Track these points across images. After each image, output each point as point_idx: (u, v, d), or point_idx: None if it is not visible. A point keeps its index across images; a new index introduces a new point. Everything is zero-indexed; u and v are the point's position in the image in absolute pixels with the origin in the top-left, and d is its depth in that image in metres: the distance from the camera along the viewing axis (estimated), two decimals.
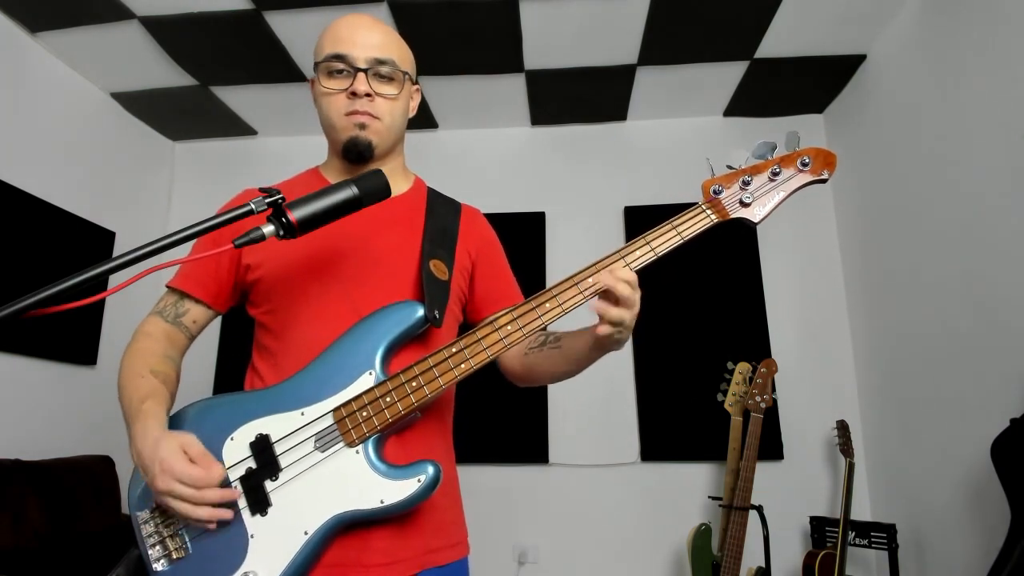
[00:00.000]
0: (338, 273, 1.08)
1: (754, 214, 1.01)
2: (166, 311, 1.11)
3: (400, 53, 1.13)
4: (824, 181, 1.03)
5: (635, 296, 0.91)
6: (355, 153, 1.10)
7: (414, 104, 1.20)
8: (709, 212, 1.00)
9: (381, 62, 1.09)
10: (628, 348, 3.20)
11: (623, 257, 0.96)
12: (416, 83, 1.19)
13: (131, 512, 0.97)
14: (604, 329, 0.92)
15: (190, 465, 0.86)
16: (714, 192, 1.01)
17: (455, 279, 1.13)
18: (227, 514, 0.90)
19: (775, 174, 1.01)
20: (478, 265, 1.20)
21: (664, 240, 0.97)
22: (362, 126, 1.09)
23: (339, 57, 1.08)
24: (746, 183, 1.01)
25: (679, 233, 0.98)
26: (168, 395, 1.02)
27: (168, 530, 0.94)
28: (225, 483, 0.91)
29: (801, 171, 1.02)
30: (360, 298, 1.05)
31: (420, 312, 1.00)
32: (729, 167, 1.03)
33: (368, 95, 1.08)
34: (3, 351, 2.60)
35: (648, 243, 0.97)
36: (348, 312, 1.03)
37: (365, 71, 1.08)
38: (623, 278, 0.90)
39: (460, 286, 1.16)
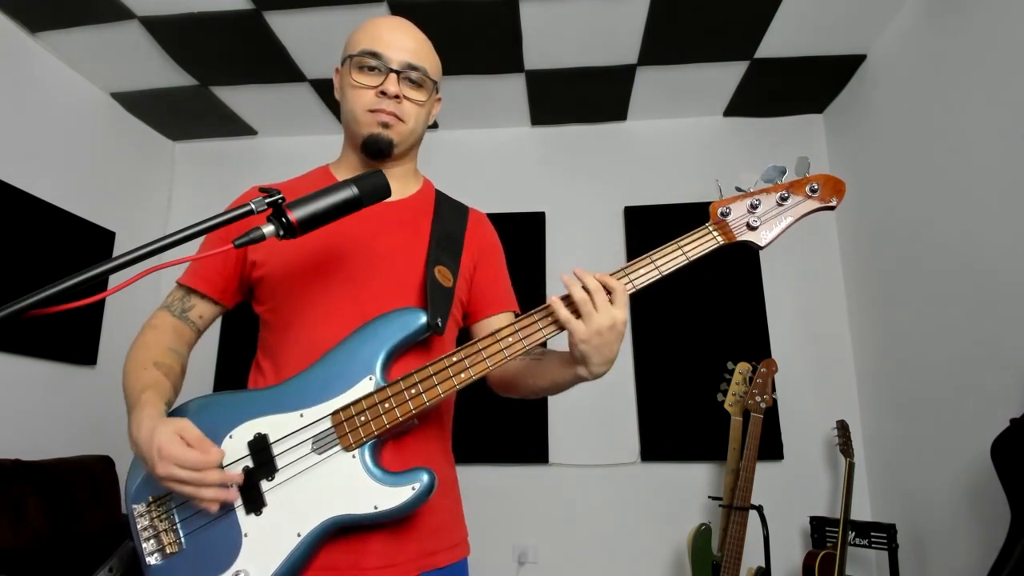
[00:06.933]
0: (343, 273, 1.07)
1: (760, 238, 1.02)
2: (173, 306, 1.12)
3: (432, 63, 1.15)
4: (832, 208, 1.04)
5: (595, 300, 0.91)
6: (375, 149, 1.11)
7: (434, 112, 1.21)
8: (716, 234, 1.01)
9: (414, 68, 1.10)
10: (628, 348, 3.20)
11: (627, 275, 0.97)
12: (439, 93, 1.20)
13: (127, 504, 0.97)
14: (573, 338, 0.93)
15: (188, 449, 0.86)
16: (721, 214, 1.02)
17: (459, 286, 1.12)
18: (233, 494, 0.90)
19: (783, 199, 1.03)
20: (477, 269, 1.20)
21: (669, 261, 0.98)
22: (386, 125, 1.09)
23: (374, 55, 1.08)
24: (754, 206, 1.02)
25: (685, 254, 0.99)
26: (169, 387, 1.02)
27: (163, 524, 0.94)
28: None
29: (810, 197, 1.03)
30: (364, 299, 1.05)
31: (423, 320, 0.99)
32: (738, 189, 1.03)
33: (397, 97, 1.08)
34: (3, 351, 2.60)
35: (653, 262, 0.98)
36: (352, 312, 1.03)
37: (397, 73, 1.08)
38: (582, 280, 0.92)
39: (463, 292, 1.16)
